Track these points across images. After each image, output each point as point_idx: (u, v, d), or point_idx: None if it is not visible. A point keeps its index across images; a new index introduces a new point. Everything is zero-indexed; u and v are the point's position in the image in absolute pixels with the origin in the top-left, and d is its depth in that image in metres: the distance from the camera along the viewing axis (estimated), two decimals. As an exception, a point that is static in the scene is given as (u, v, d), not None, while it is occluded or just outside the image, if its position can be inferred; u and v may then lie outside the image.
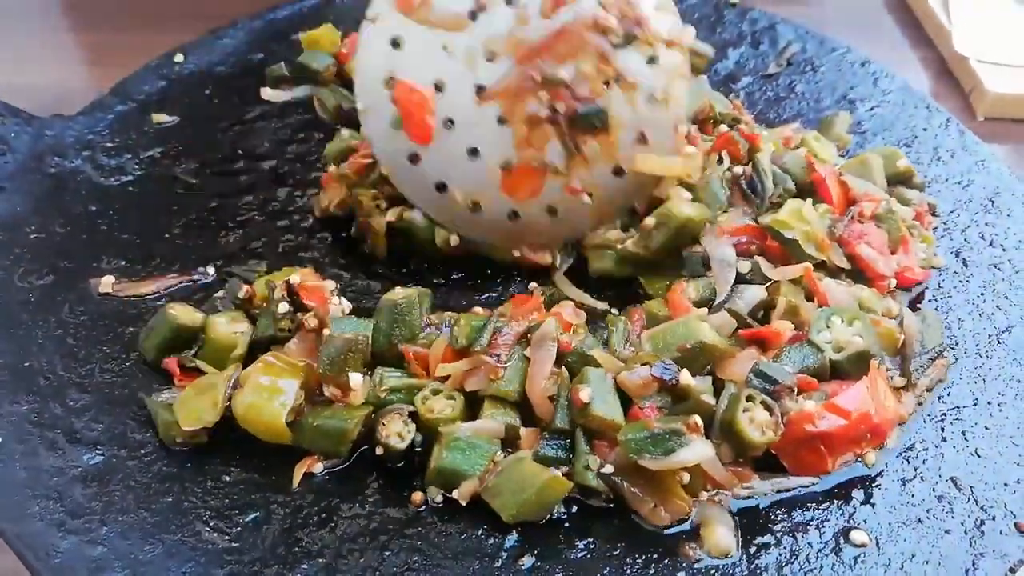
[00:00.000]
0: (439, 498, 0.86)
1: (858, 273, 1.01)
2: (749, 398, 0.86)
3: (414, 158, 1.01)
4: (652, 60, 1.00)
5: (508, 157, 1.01)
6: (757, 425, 0.85)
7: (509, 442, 0.88)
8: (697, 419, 0.84)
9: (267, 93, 1.25)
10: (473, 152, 1.01)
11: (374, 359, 0.93)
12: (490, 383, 0.89)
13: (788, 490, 0.87)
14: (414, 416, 0.89)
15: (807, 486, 0.87)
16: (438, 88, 0.99)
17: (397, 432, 0.88)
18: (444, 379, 0.91)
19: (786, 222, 0.99)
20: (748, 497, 0.86)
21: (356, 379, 0.89)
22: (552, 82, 0.98)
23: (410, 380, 0.91)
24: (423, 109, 0.99)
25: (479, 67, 0.98)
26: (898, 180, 1.13)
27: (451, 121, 0.99)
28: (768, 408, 0.86)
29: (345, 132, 1.16)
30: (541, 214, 1.04)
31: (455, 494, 0.85)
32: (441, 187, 1.02)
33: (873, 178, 1.09)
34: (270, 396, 0.88)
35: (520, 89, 0.98)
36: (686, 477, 0.84)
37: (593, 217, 1.05)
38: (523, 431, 0.89)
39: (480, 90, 0.98)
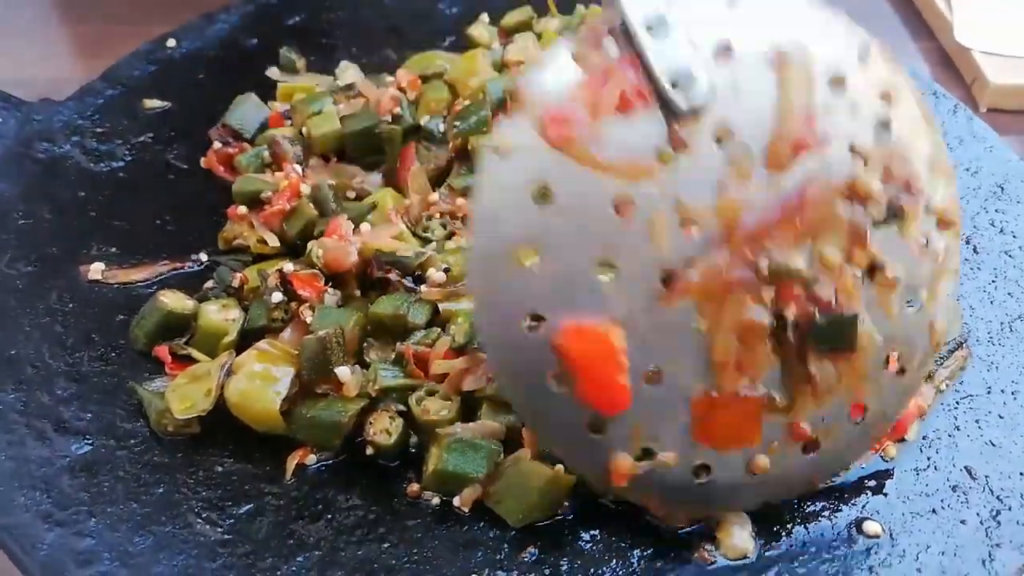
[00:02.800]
0: (436, 500, 0.83)
1: None
2: None
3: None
4: (920, 245, 0.68)
5: (705, 385, 0.67)
6: None
7: (510, 443, 0.85)
8: None
9: (274, 72, 1.23)
10: (653, 377, 0.67)
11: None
12: (489, 383, 0.85)
13: None
14: (403, 414, 0.86)
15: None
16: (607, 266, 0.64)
17: (384, 428, 0.85)
18: (442, 379, 0.87)
19: None
20: None
21: (344, 373, 0.86)
22: (782, 275, 0.64)
23: (405, 380, 0.88)
24: (612, 364, 0.63)
25: (668, 239, 0.63)
26: None
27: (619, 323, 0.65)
28: None
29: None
30: (741, 471, 0.71)
31: (455, 501, 0.82)
32: (596, 427, 0.68)
33: None
34: (264, 384, 0.85)
35: (730, 283, 0.64)
36: None
37: (815, 477, 0.77)
38: (526, 430, 0.85)
39: (669, 280, 0.64)
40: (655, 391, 0.67)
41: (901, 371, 0.71)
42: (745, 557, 0.80)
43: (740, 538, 0.80)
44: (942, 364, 0.93)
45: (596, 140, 0.61)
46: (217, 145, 1.13)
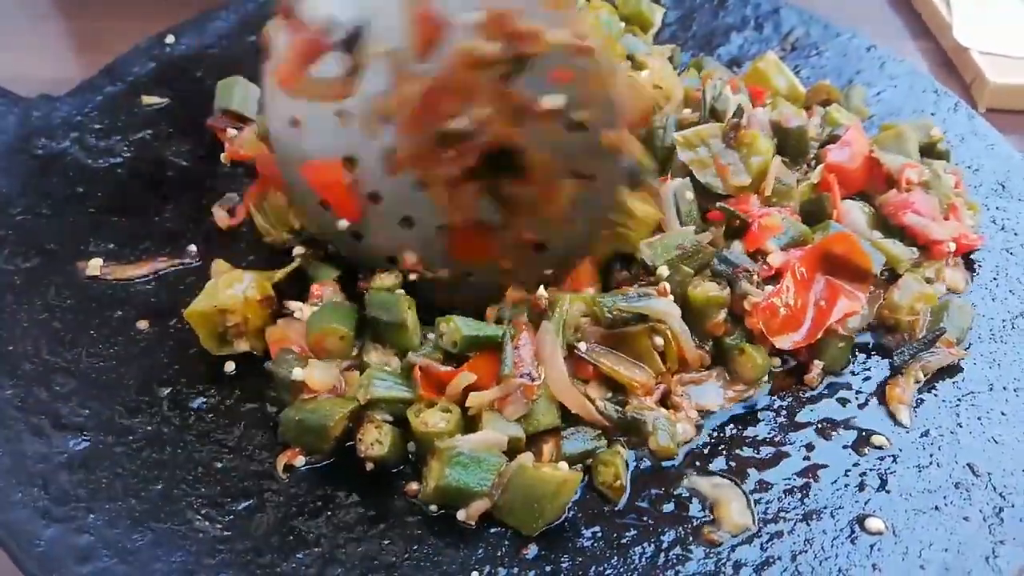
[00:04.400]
0: (434, 507, 0.82)
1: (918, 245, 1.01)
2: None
3: (356, 235, 0.91)
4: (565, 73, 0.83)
5: (442, 221, 0.89)
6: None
7: (511, 453, 0.83)
8: (666, 285, 0.89)
9: None
10: (407, 221, 0.89)
11: None
12: (531, 404, 0.84)
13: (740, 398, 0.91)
14: (395, 423, 0.84)
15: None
16: (350, 162, 0.87)
17: (375, 440, 0.83)
18: (459, 402, 0.85)
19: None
20: (702, 382, 0.91)
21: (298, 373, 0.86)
22: (451, 137, 0.84)
23: (398, 393, 0.85)
24: (339, 187, 0.88)
25: (380, 132, 0.85)
26: (926, 151, 1.12)
27: (376, 195, 0.88)
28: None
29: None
30: (496, 273, 0.92)
31: (460, 515, 0.80)
32: (392, 260, 0.92)
33: (908, 151, 1.07)
34: None
35: (423, 151, 0.85)
36: (659, 341, 0.88)
37: (552, 266, 0.93)
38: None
39: (389, 159, 0.86)
40: (412, 231, 0.90)
41: (582, 176, 0.89)
42: (747, 530, 0.81)
43: (738, 512, 0.82)
44: (927, 350, 0.93)
45: (304, 79, 0.86)
46: (233, 132, 1.12)
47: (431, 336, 0.89)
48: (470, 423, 0.84)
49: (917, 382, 0.92)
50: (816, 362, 0.93)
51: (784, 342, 0.91)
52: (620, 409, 0.86)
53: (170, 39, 1.25)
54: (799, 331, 0.91)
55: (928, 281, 0.99)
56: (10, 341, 0.91)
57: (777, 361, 0.93)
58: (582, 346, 0.88)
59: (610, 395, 0.88)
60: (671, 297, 0.90)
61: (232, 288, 0.91)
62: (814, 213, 1.00)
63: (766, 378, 0.92)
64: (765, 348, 0.92)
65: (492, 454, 0.81)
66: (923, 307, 0.96)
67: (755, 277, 0.92)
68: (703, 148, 1.00)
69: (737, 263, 0.92)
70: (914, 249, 1.00)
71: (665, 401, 0.89)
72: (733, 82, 1.11)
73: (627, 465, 0.85)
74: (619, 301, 0.89)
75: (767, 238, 0.95)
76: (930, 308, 0.96)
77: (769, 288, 0.92)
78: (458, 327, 0.86)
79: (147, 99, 1.18)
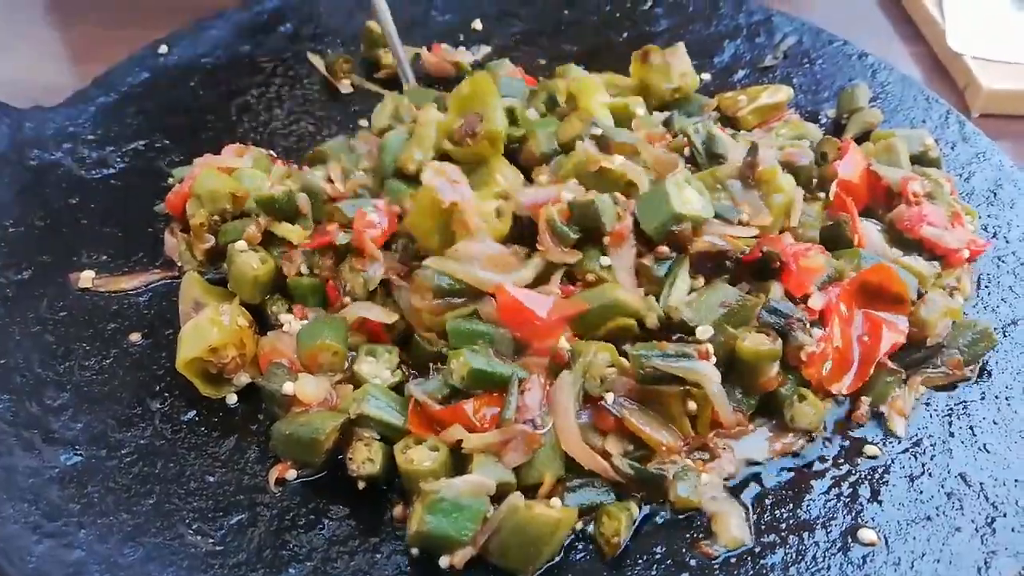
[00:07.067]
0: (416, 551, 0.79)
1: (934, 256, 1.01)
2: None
3: None
4: None
5: None
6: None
7: (499, 498, 0.78)
8: (709, 347, 0.84)
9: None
10: None
11: None
12: (533, 453, 0.80)
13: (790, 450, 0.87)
14: (383, 440, 0.83)
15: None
16: None
17: (366, 458, 0.82)
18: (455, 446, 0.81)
19: None
20: (746, 434, 0.87)
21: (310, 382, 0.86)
22: None
23: (389, 418, 0.83)
24: None
25: None
26: (917, 160, 1.11)
27: None
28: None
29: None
30: None
31: (442, 562, 0.77)
32: None
33: (900, 161, 1.07)
34: None
35: None
36: (692, 406, 0.84)
37: None
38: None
39: None
40: None
41: None
42: (743, 546, 0.80)
43: (736, 528, 0.81)
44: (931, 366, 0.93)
45: None
46: None
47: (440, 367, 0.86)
48: (462, 459, 0.81)
49: (918, 397, 0.92)
50: (864, 398, 0.90)
51: (840, 387, 0.88)
52: (638, 465, 0.82)
53: (163, 49, 1.25)
54: (850, 372, 0.89)
55: (951, 293, 0.98)
56: (1, 354, 0.91)
57: (830, 404, 0.90)
58: (609, 397, 0.83)
59: (631, 447, 0.84)
60: (713, 359, 0.84)
61: (217, 328, 0.88)
62: (833, 239, 0.98)
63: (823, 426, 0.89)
64: (820, 395, 0.88)
65: (477, 500, 0.77)
66: (946, 322, 0.94)
67: (808, 326, 0.87)
68: (721, 191, 0.96)
69: (788, 314, 0.87)
70: (935, 263, 0.99)
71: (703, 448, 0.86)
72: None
73: (633, 523, 0.81)
74: (656, 358, 0.83)
75: (812, 281, 0.90)
76: (951, 322, 0.94)
77: (817, 331, 0.89)
78: (467, 360, 0.83)
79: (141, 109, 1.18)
